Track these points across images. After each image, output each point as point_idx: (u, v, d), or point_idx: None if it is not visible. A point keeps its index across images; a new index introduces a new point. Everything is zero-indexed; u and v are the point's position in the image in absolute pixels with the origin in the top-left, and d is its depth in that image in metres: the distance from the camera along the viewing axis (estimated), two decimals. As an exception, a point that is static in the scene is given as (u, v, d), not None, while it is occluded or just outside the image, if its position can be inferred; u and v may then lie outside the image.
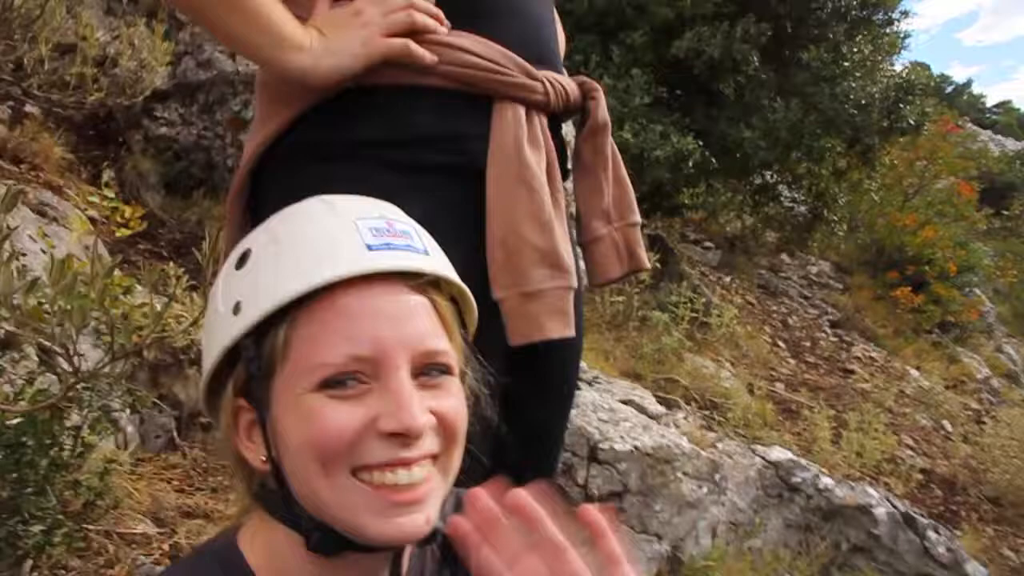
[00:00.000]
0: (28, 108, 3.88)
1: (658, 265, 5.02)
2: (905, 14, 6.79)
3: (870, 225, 9.62)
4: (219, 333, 0.69)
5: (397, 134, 0.93)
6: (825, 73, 5.98)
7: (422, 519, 0.65)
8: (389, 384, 0.64)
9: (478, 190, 0.95)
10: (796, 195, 7.21)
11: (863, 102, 6.09)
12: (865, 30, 6.25)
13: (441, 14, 0.95)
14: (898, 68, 6.64)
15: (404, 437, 0.64)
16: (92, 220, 2.86)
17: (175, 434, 2.50)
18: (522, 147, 0.94)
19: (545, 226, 0.94)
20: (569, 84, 1.05)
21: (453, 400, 0.69)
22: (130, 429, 2.34)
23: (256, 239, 0.71)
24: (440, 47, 0.93)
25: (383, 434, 0.63)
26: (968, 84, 35.33)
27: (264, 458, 0.68)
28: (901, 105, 6.36)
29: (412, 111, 0.94)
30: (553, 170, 1.00)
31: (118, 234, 2.64)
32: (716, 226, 8.89)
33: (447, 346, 0.69)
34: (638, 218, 1.10)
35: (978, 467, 4.96)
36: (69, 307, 1.40)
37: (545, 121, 1.01)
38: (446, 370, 0.69)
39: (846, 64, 6.03)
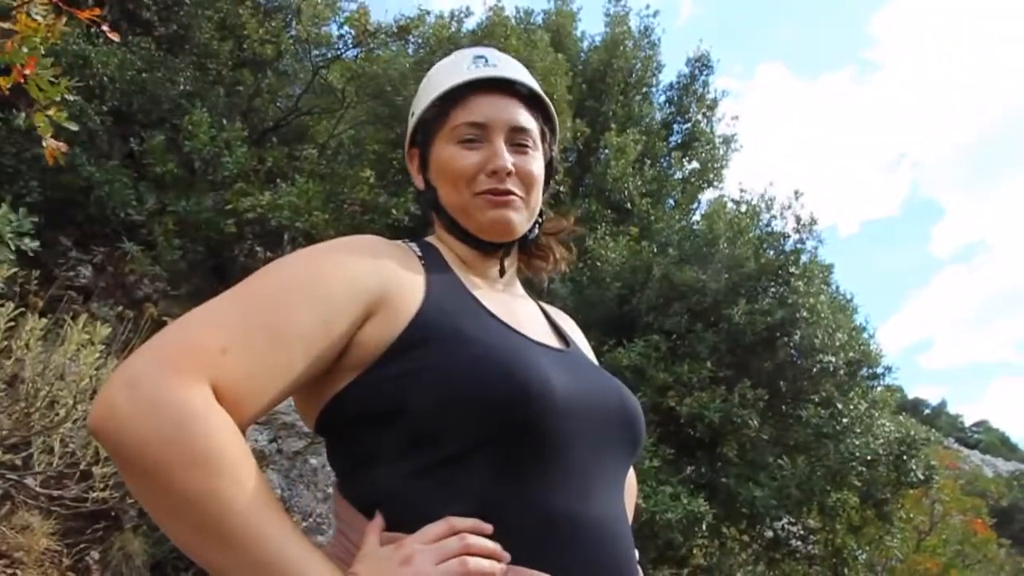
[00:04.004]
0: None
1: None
2: (888, 369, 7.11)
3: (891, 571, 9.06)
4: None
5: None
6: (826, 430, 6.06)
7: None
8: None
9: None
10: (811, 549, 6.84)
11: (869, 458, 6.08)
12: (856, 386, 6.48)
13: (499, 549, 0.86)
14: (888, 422, 6.71)
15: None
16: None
17: None
18: None
19: None
20: None
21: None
22: None
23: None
24: None
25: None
26: (943, 405, 36.34)
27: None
28: (905, 459, 6.34)
29: None
30: None
31: None
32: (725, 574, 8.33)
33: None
34: None
35: None
36: None
37: None
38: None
39: (845, 420, 6.13)
